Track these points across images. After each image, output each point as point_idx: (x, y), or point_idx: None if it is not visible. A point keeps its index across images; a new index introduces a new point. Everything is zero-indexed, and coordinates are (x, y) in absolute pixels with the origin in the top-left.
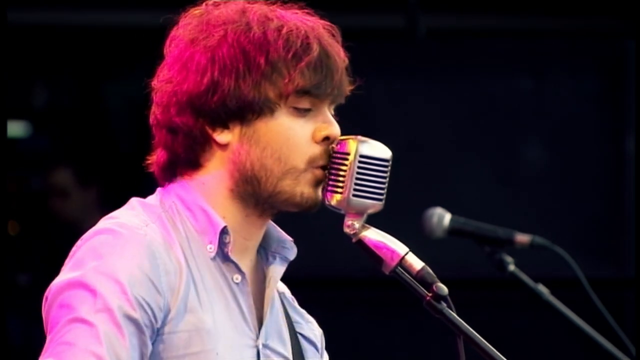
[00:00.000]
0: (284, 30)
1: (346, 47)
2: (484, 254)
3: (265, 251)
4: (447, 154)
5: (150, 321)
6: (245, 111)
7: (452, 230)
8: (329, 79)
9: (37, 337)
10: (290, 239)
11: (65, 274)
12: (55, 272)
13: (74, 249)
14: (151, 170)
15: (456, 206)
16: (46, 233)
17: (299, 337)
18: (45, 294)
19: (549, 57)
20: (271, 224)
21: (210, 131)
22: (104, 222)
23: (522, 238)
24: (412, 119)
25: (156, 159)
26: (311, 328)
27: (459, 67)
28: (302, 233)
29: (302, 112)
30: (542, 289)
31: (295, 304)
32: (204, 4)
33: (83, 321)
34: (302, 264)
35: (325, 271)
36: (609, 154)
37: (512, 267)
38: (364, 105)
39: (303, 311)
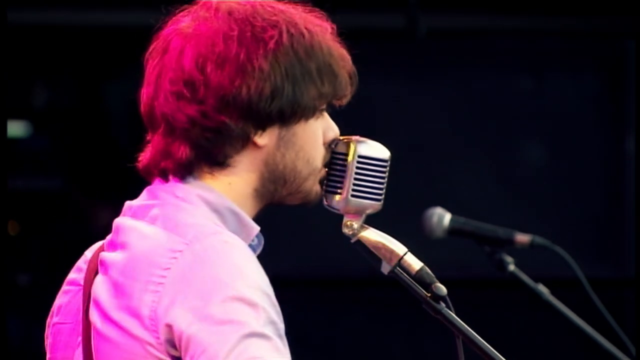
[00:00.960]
0: (321, 37)
1: (346, 47)
2: (484, 254)
3: None
4: (447, 154)
5: None
6: (293, 115)
7: (452, 230)
8: (354, 86)
9: (37, 337)
10: None
11: (208, 295)
12: (55, 272)
13: (180, 269)
14: (162, 164)
15: (456, 206)
16: (46, 233)
17: None
18: (184, 312)
19: (549, 57)
20: None
21: (252, 134)
22: (195, 230)
23: (522, 238)
24: (412, 119)
25: (176, 154)
26: None
27: (459, 67)
28: (302, 233)
29: (320, 114)
30: (542, 289)
31: None
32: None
33: (260, 335)
34: (302, 264)
35: (325, 271)
36: (609, 154)
37: (512, 267)
38: (364, 105)
39: None
